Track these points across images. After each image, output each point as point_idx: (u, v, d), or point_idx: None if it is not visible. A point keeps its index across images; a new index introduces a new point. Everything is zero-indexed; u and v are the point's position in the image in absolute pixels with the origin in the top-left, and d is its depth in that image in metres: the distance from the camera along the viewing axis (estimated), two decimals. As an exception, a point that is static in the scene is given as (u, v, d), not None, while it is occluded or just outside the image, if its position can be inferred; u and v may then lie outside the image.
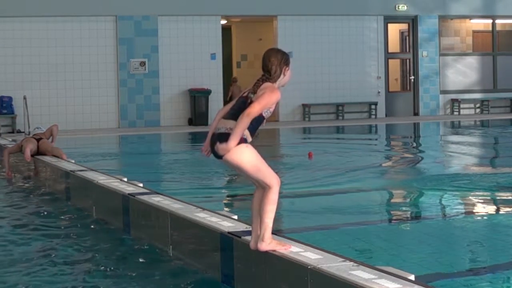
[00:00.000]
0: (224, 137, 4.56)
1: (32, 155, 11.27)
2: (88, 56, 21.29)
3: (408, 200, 9.08)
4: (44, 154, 11.37)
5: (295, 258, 4.45)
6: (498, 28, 25.51)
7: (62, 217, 8.05)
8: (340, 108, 23.40)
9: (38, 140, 11.58)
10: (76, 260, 6.00)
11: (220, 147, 4.54)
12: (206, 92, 21.73)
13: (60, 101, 21.08)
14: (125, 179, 8.26)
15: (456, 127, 21.52)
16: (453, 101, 24.64)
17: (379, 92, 23.86)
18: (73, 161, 10.70)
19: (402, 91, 24.90)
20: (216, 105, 21.85)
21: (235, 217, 5.80)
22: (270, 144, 16.23)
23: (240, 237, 5.04)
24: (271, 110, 4.68)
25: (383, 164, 12.81)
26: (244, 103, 4.62)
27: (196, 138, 18.95)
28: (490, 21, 25.26)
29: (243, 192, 8.81)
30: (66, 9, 21.01)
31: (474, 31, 25.51)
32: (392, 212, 8.46)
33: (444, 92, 24.63)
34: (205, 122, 21.38)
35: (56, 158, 10.97)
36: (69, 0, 21.08)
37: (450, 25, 25.06)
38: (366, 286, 3.86)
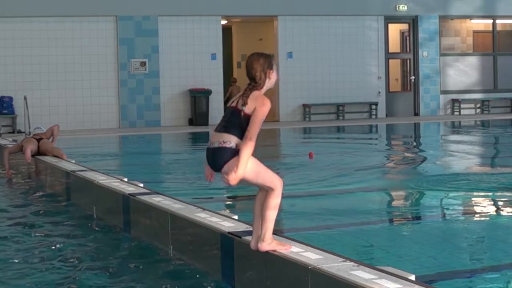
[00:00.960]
0: (219, 152, 4.58)
1: (32, 155, 11.27)
2: (89, 56, 21.29)
3: (408, 200, 9.08)
4: (44, 154, 11.37)
5: (296, 258, 4.46)
6: (498, 28, 25.51)
7: (62, 217, 8.06)
8: (341, 108, 23.39)
9: (38, 140, 11.58)
10: (76, 260, 6.00)
11: (230, 178, 4.53)
12: (207, 92, 21.72)
13: (61, 101, 21.08)
14: (126, 179, 8.27)
15: (456, 127, 21.51)
16: (454, 101, 24.64)
17: (379, 92, 23.86)
18: (73, 161, 10.70)
19: (403, 91, 24.90)
20: (217, 105, 21.86)
21: (236, 217, 5.81)
22: (270, 144, 16.23)
23: (240, 237, 5.04)
24: None
25: (384, 165, 12.81)
26: (236, 116, 4.61)
27: (196, 138, 18.96)
28: (491, 21, 25.26)
29: (244, 193, 8.81)
30: (67, 9, 21.01)
31: (474, 31, 25.51)
32: (392, 212, 8.47)
33: (445, 92, 24.63)
34: (205, 122, 21.39)
35: (56, 158, 10.97)
36: (70, 0, 21.09)
37: (451, 25, 25.06)
38: (366, 286, 3.86)
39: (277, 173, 4.81)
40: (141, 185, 7.86)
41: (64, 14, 21.03)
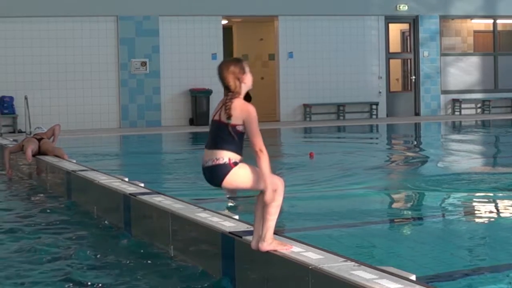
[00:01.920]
0: (215, 170, 4.60)
1: (33, 155, 11.27)
2: (89, 56, 21.30)
3: (409, 200, 9.08)
4: (45, 154, 11.37)
5: (296, 258, 4.46)
6: (499, 28, 25.50)
7: (63, 217, 8.06)
8: (341, 108, 23.39)
9: (39, 140, 11.58)
10: (77, 260, 6.00)
11: (267, 199, 4.54)
12: (207, 92, 21.72)
13: (61, 101, 21.08)
14: (126, 179, 8.27)
15: (457, 127, 21.51)
16: (454, 101, 24.63)
17: (380, 92, 23.85)
18: (74, 161, 10.70)
19: (403, 91, 24.89)
20: (217, 105, 21.83)
21: (236, 217, 5.81)
22: (271, 144, 16.24)
23: (241, 237, 5.04)
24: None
25: (384, 164, 12.81)
26: (223, 130, 4.59)
27: (197, 138, 18.95)
28: (491, 21, 25.25)
29: (245, 193, 8.81)
30: (67, 9, 21.01)
31: (475, 31, 25.50)
32: (393, 212, 8.47)
33: (445, 92, 24.62)
34: (206, 122, 21.36)
35: (57, 158, 10.97)
36: (70, 0, 21.09)
37: (451, 25, 25.05)
38: (367, 286, 3.86)
39: (279, 173, 4.81)
40: (142, 185, 7.86)
41: (65, 14, 21.03)
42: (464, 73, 24.97)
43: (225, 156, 4.59)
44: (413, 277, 4.05)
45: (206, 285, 5.19)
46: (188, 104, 22.03)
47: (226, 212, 6.15)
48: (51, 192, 10.00)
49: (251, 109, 4.61)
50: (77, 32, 21.20)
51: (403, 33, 25.45)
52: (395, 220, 7.80)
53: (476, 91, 25.01)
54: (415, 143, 17.70)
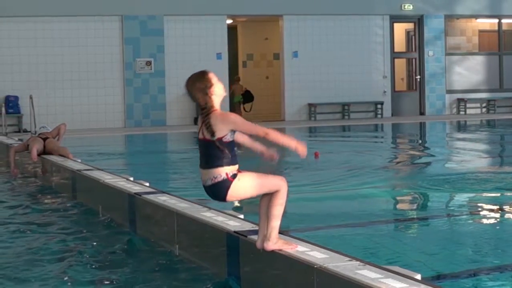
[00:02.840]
0: (216, 188, 4.63)
1: (38, 155, 11.28)
2: (94, 56, 21.32)
3: (415, 200, 9.06)
4: (50, 153, 11.37)
5: (301, 257, 4.45)
6: (504, 27, 25.46)
7: (68, 216, 8.06)
8: (346, 107, 23.37)
9: (44, 139, 11.58)
10: (82, 258, 6.01)
11: (303, 153, 4.62)
12: (212, 92, 21.70)
13: (66, 101, 21.12)
14: (131, 178, 8.26)
15: (462, 127, 21.48)
16: (459, 100, 24.60)
17: (385, 92, 23.83)
18: (79, 160, 10.70)
19: (408, 90, 24.87)
20: (222, 105, 21.75)
21: (242, 216, 5.80)
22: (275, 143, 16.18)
23: (246, 236, 5.04)
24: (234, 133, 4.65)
25: (390, 164, 12.80)
26: (211, 147, 4.63)
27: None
28: (496, 20, 25.21)
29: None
30: (72, 9, 21.04)
31: (480, 31, 25.47)
32: (398, 211, 8.46)
33: (450, 91, 24.60)
34: (211, 122, 21.36)
35: (62, 158, 10.97)
36: (75, 0, 21.11)
37: (456, 25, 25.02)
38: (372, 285, 3.85)
39: (283, 173, 4.80)
40: (147, 184, 7.85)
41: (70, 13, 21.06)
42: (469, 72, 24.93)
43: (222, 172, 4.62)
44: (419, 277, 4.04)
45: (211, 284, 5.19)
46: (193, 103, 21.57)
47: (231, 211, 6.14)
48: (56, 191, 10.00)
49: (232, 117, 4.63)
50: (82, 32, 21.22)
51: (408, 33, 25.43)
52: (402, 220, 7.79)
53: (481, 91, 24.97)
54: (420, 142, 17.68)
